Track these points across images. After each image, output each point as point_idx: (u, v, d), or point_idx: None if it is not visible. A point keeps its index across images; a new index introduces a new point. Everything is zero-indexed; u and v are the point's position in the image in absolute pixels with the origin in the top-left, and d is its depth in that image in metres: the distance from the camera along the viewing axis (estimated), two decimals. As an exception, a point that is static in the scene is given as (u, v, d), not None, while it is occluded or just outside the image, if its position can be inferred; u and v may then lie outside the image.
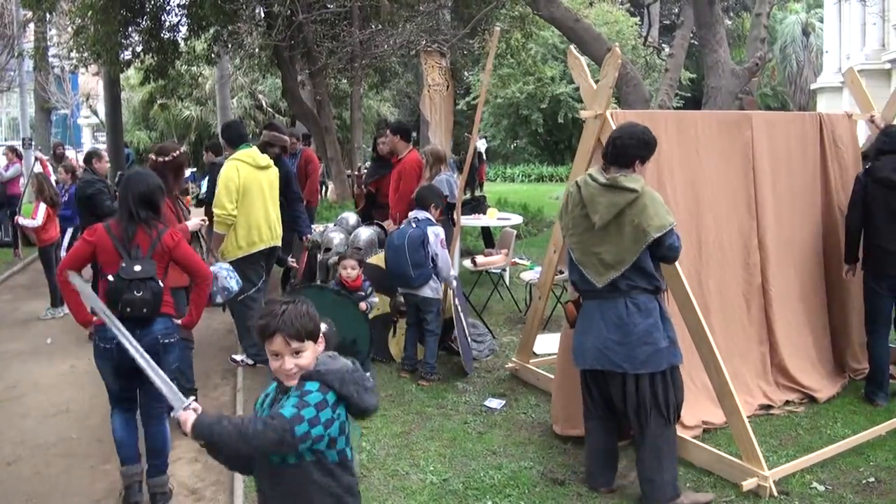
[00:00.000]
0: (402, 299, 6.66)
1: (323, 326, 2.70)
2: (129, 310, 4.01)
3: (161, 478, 4.39)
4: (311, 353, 2.59)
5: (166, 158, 5.40)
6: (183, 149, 5.60)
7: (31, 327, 8.42)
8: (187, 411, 2.53)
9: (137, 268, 4.09)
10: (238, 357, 6.77)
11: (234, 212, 6.16)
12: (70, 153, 21.04)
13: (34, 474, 4.94)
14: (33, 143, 19.47)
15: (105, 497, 4.61)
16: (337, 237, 7.66)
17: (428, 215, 6.18)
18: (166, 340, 4.25)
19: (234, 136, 6.57)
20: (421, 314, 6.24)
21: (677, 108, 17.45)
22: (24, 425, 5.73)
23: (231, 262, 6.02)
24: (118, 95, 22.80)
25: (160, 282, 4.15)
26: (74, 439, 5.44)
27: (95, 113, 33.09)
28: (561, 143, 30.56)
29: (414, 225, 6.10)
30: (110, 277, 4.07)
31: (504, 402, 5.77)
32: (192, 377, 5.58)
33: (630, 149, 4.05)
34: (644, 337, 3.97)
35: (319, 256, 7.53)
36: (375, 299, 6.32)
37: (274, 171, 6.56)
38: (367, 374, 5.95)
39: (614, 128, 4.26)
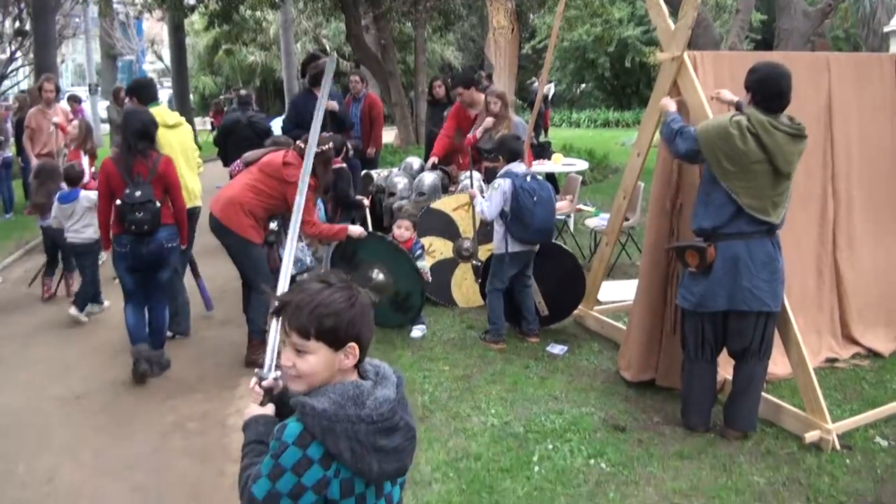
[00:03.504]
0: (466, 244, 6.65)
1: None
2: (133, 227, 5.13)
3: (158, 351, 5.56)
4: (318, 361, 1.87)
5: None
6: (331, 144, 5.65)
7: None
8: (257, 389, 2.12)
9: (138, 193, 5.12)
10: None
11: None
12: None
13: (102, 408, 5.12)
14: (99, 89, 19.81)
15: (172, 431, 4.76)
16: (401, 182, 7.67)
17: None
18: (170, 244, 5.38)
19: (147, 95, 6.32)
20: (527, 269, 5.90)
21: (748, 50, 16.90)
22: (95, 360, 5.93)
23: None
24: (183, 41, 23.01)
25: (157, 202, 5.18)
26: (144, 374, 5.61)
27: (161, 59, 33.52)
28: (628, 88, 29.90)
29: (537, 177, 5.82)
30: (118, 201, 5.14)
31: (566, 348, 5.75)
32: (261, 323, 5.63)
33: (790, 97, 4.08)
34: (781, 274, 4.18)
35: (384, 201, 7.55)
36: (424, 263, 6.20)
37: (185, 130, 6.32)
38: (420, 325, 5.95)
39: (763, 67, 4.11)
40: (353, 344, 1.88)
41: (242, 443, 2.03)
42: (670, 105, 4.63)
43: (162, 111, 6.10)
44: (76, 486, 4.13)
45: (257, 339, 5.62)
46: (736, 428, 4.32)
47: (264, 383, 2.12)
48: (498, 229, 5.76)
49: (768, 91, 4.03)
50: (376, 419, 1.81)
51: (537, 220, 5.60)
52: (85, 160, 7.78)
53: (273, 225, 5.67)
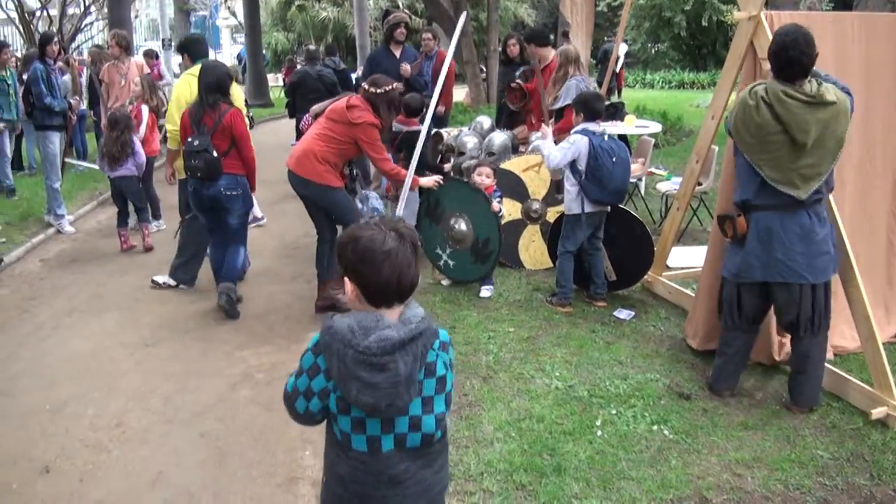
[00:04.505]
0: (535, 206, 6.60)
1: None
2: (189, 173, 5.57)
3: (227, 283, 5.84)
4: (347, 287, 2.04)
5: (378, 90, 5.54)
6: (396, 84, 5.70)
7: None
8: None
9: (196, 142, 5.50)
10: (159, 279, 6.59)
11: None
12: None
13: (172, 356, 5.27)
14: (173, 44, 19.98)
15: (241, 381, 4.88)
16: (471, 141, 7.63)
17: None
18: (228, 192, 5.65)
19: (196, 51, 6.58)
20: (599, 231, 5.81)
21: (826, 10, 16.27)
22: (164, 311, 6.10)
23: (182, 180, 6.43)
24: (256, -4, 23.11)
25: (214, 153, 5.49)
26: (213, 325, 5.76)
27: (234, 14, 33.76)
28: (704, 48, 29.13)
29: (614, 137, 5.71)
30: (183, 148, 5.64)
31: (633, 313, 5.70)
32: (325, 264, 5.83)
33: (811, 61, 3.84)
34: (822, 245, 4.02)
35: (453, 160, 7.53)
36: (504, 209, 6.22)
37: (235, 89, 6.29)
38: (489, 285, 5.97)
39: (776, 35, 3.92)
40: (345, 278, 2.01)
41: None
42: None
43: None
44: (144, 430, 4.26)
45: (326, 278, 5.80)
46: (798, 405, 4.27)
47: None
48: (570, 189, 5.65)
49: (778, 62, 3.88)
50: (362, 350, 1.90)
51: (615, 180, 5.54)
52: (145, 111, 7.96)
53: (347, 171, 5.85)
